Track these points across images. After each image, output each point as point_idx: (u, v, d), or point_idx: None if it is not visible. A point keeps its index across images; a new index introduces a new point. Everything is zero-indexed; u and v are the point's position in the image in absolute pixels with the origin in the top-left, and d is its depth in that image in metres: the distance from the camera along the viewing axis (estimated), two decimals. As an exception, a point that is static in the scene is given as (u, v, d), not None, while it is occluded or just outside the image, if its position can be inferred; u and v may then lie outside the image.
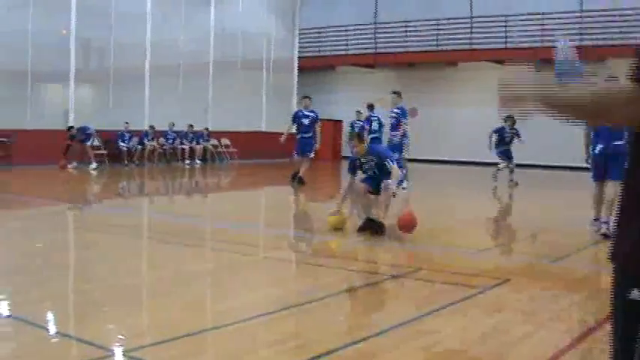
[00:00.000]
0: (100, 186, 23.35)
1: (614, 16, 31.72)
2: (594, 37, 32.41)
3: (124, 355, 5.45)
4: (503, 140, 23.46)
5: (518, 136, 23.32)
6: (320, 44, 40.64)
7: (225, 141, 33.54)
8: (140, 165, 29.11)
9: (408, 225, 11.40)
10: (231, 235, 12.17)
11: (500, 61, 35.50)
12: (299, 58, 39.74)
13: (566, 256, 10.65)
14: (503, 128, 23.19)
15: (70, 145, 25.97)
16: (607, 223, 12.11)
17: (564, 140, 30.20)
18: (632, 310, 2.38)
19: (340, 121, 39.99)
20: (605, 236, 12.10)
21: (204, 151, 32.27)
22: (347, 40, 39.55)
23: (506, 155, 23.43)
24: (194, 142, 31.92)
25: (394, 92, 21.50)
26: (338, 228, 12.04)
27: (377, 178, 11.94)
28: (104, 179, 24.73)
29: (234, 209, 17.32)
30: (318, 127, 21.63)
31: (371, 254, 10.72)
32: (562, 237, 13.17)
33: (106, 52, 30.25)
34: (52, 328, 6.20)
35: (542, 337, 6.29)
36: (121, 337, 5.96)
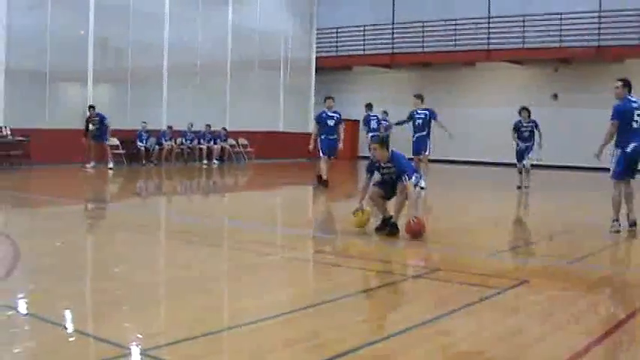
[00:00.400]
0: (118, 185, 23.42)
1: (632, 16, 31.60)
2: (612, 37, 32.31)
3: (141, 353, 5.47)
4: (522, 136, 21.42)
5: (537, 128, 21.38)
6: (337, 44, 40.64)
7: (242, 141, 33.64)
8: (158, 165, 29.21)
9: (414, 233, 11.35)
10: (249, 235, 12.19)
11: (517, 62, 35.52)
12: (316, 57, 39.76)
13: (584, 257, 10.63)
14: (519, 122, 21.57)
15: (86, 134, 26.00)
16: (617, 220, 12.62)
17: (572, 140, 30.26)
18: None
19: (357, 120, 39.96)
20: (618, 232, 12.15)
21: (221, 151, 32.36)
22: (364, 40, 39.54)
23: (521, 155, 21.44)
24: (212, 142, 32.01)
25: (416, 95, 21.72)
26: (361, 226, 12.01)
27: (393, 184, 11.92)
28: (122, 179, 24.81)
29: (252, 209, 17.35)
30: (342, 128, 21.48)
31: (388, 254, 10.71)
32: (579, 237, 13.14)
33: (124, 51, 30.33)
34: (70, 327, 6.23)
35: (560, 339, 6.27)
36: (138, 335, 5.98)
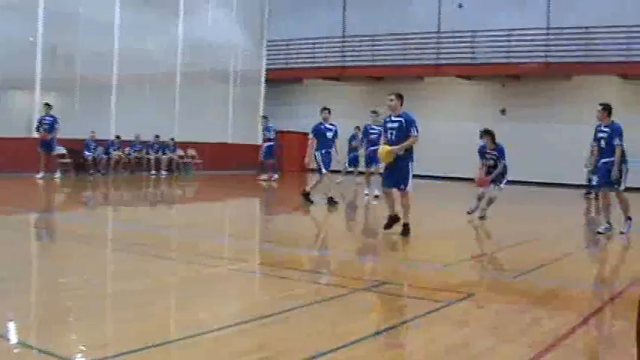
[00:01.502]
0: (64, 195, 23.21)
1: (580, 34, 32.02)
2: (560, 54, 32.71)
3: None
4: (488, 163, 18.13)
5: (500, 160, 18.08)
6: (288, 56, 40.69)
7: (191, 152, 33.50)
8: (105, 174, 28.99)
9: None
10: (198, 247, 12.16)
11: (466, 77, 35.85)
12: (266, 69, 39.75)
13: (531, 271, 10.72)
14: (483, 147, 18.26)
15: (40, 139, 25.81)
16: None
17: (520, 155, 30.65)
18: None
19: (307, 133, 39.96)
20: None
21: (169, 162, 32.20)
22: (315, 52, 39.62)
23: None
24: (160, 153, 31.85)
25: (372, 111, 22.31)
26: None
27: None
28: (69, 188, 24.59)
29: (201, 220, 17.29)
30: (337, 142, 21.13)
31: (337, 267, 10.73)
32: (526, 251, 13.28)
33: (73, 59, 30.04)
34: (14, 339, 6.14)
35: (506, 351, 6.33)
36: (83, 347, 5.93)
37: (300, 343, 6.26)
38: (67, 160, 28.14)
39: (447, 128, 33.54)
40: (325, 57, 39.40)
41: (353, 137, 29.49)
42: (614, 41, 31.28)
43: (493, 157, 17.83)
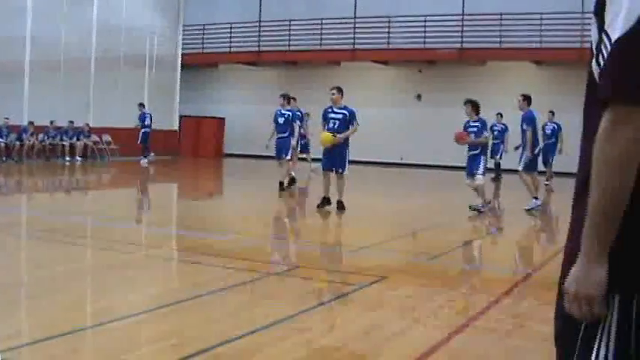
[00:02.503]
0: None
1: (493, 19, 32.37)
2: (474, 39, 33.03)
3: (-3, 355, 5.36)
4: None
5: (483, 129, 16.87)
6: (204, 41, 40.43)
7: (106, 137, 33.13)
8: (19, 161, 28.53)
9: None
10: (111, 233, 12.07)
11: (383, 62, 35.99)
12: (182, 54, 39.47)
13: (443, 254, 10.85)
14: (467, 122, 16.96)
15: None
16: None
17: (435, 140, 31.08)
18: None
19: (223, 118, 39.89)
20: None
21: (84, 148, 31.80)
22: (230, 37, 39.42)
23: (469, 166, 16.90)
24: (74, 139, 31.43)
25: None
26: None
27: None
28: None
29: (115, 207, 17.15)
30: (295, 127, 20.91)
31: (250, 252, 10.71)
32: (439, 235, 13.43)
33: (-16, 45, 29.51)
34: None
35: (418, 333, 6.41)
36: (-5, 336, 5.85)
37: (213, 328, 6.26)
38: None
39: (364, 113, 33.63)
40: (241, 42, 39.22)
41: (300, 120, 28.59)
42: (528, 27, 31.68)
43: (474, 130, 16.58)
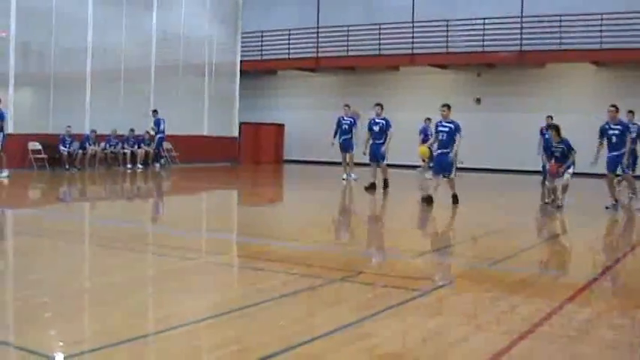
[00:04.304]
0: (40, 191, 23.06)
1: (553, 21, 32.09)
2: (534, 42, 32.77)
3: (64, 361, 5.41)
4: (551, 152, 18.24)
5: (569, 149, 17.81)
6: (262, 48, 40.58)
7: (166, 145, 33.38)
8: (81, 170, 28.83)
9: None
10: (173, 240, 12.13)
11: (441, 66, 35.85)
12: (241, 61, 39.63)
13: (506, 259, 10.77)
14: (547, 140, 18.75)
15: None
16: None
17: (494, 144, 30.89)
18: None
19: (282, 125, 40.01)
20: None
21: (145, 155, 32.07)
22: (289, 43, 39.52)
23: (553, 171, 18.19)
24: (135, 147, 31.73)
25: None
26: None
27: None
28: (45, 184, 24.40)
29: (177, 214, 17.27)
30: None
31: (311, 258, 10.70)
32: (501, 239, 13.32)
33: (47, 55, 29.86)
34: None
35: (482, 339, 6.36)
36: (60, 343, 5.92)
37: (276, 334, 6.26)
38: (43, 156, 27.99)
39: (422, 118, 33.39)
40: (299, 48, 39.30)
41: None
42: (587, 29, 31.35)
43: (559, 150, 17.86)
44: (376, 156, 22.13)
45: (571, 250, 12.89)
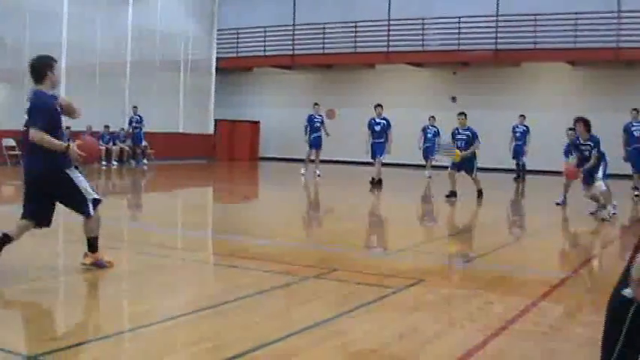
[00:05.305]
0: (13, 187, 22.93)
1: (528, 20, 32.20)
2: (509, 41, 32.89)
3: (36, 359, 5.39)
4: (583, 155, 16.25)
5: (595, 148, 15.95)
6: (238, 45, 40.53)
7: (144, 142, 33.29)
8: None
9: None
10: (149, 237, 12.12)
11: (417, 64, 35.91)
12: (217, 58, 39.58)
13: (480, 256, 10.82)
14: (577, 138, 16.56)
15: None
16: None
17: (483, 143, 31.10)
18: None
19: (258, 122, 39.98)
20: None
21: (120, 152, 31.97)
22: (265, 41, 39.48)
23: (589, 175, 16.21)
24: (110, 143, 31.61)
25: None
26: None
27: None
28: (18, 180, 24.25)
29: (152, 211, 17.23)
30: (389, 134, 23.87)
31: (286, 255, 10.70)
32: (476, 237, 13.39)
33: (21, 51, 29.69)
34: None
35: (456, 336, 6.39)
36: (34, 340, 5.90)
37: (252, 331, 6.27)
38: (17, 153, 27.85)
39: (399, 116, 33.44)
40: (275, 46, 39.26)
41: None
42: (562, 28, 31.48)
43: (588, 149, 15.88)
44: (377, 154, 23.26)
45: (544, 249, 12.94)
